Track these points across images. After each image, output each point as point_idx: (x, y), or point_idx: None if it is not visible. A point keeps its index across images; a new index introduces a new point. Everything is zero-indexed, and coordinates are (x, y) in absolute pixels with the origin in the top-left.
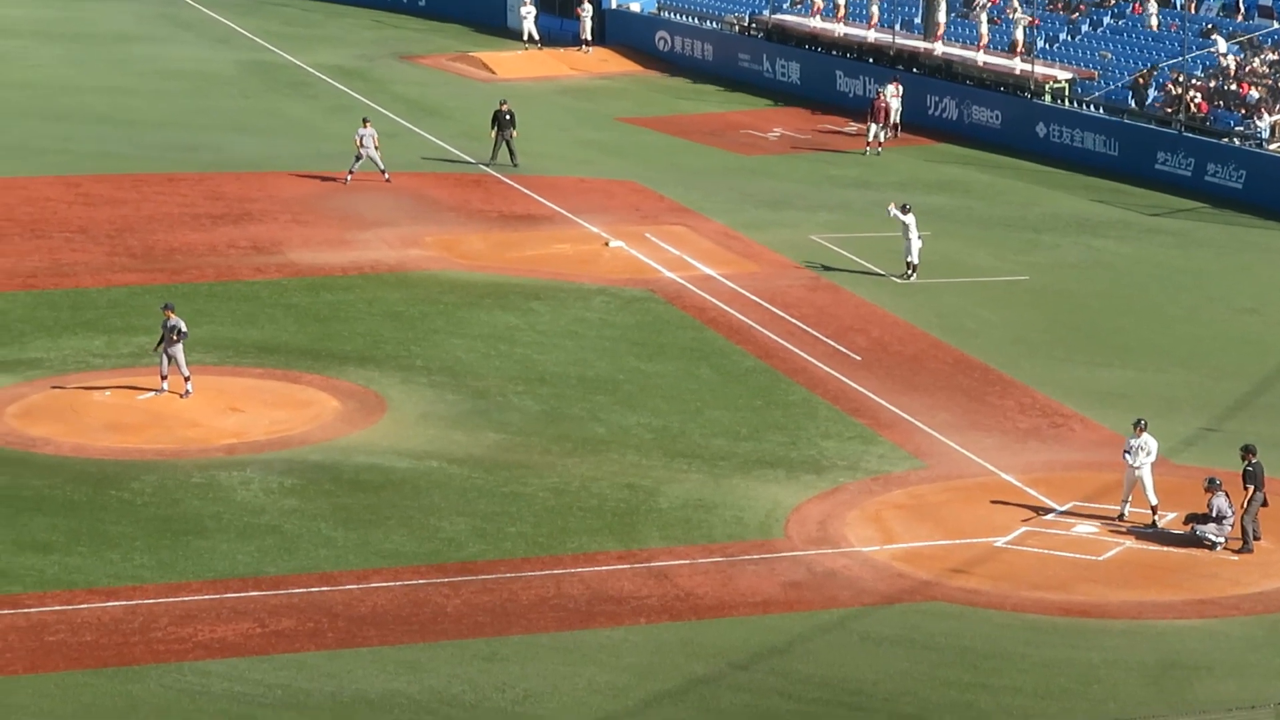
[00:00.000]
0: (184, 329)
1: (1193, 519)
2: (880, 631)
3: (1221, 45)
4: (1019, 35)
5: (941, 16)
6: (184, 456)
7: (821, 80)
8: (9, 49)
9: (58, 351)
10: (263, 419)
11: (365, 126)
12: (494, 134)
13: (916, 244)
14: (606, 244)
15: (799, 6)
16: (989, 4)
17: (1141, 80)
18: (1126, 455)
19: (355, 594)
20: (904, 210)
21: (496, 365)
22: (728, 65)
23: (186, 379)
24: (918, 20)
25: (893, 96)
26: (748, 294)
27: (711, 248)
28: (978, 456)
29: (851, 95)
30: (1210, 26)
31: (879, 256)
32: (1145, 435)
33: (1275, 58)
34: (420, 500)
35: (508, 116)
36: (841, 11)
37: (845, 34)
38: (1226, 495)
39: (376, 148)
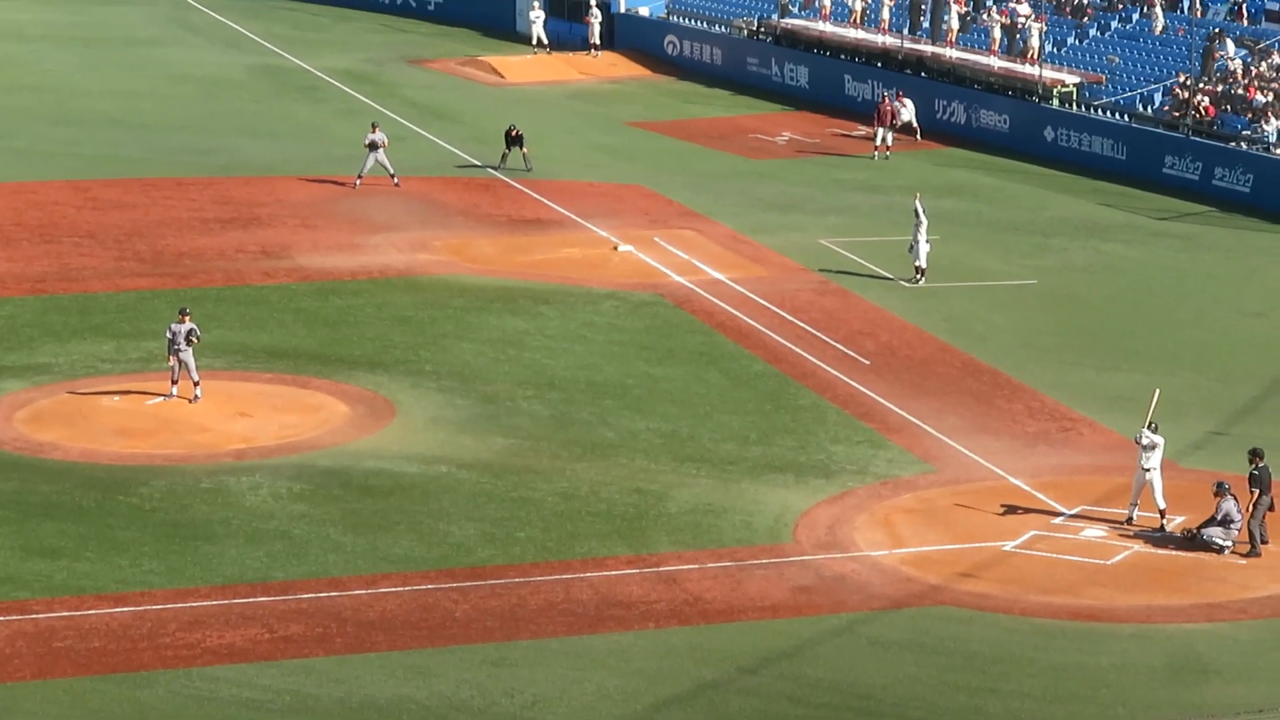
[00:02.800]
0: (199, 333)
1: (1188, 534)
2: (889, 636)
3: (1229, 49)
4: (1034, 41)
5: (954, 22)
6: (193, 462)
7: (830, 84)
8: (19, 53)
9: (66, 356)
10: (272, 424)
11: (375, 131)
12: (506, 147)
13: (925, 248)
14: (615, 248)
15: (806, 11)
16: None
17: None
18: (1139, 442)
19: (364, 599)
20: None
21: (505, 370)
22: (736, 69)
23: (196, 384)
24: (926, 24)
25: (901, 106)
26: (756, 298)
27: (720, 252)
28: (986, 460)
29: (860, 99)
30: (1218, 31)
31: (888, 260)
32: (1153, 434)
33: None
34: (429, 505)
35: (515, 134)
36: (857, 16)
37: (854, 38)
38: (1235, 499)
39: (385, 150)
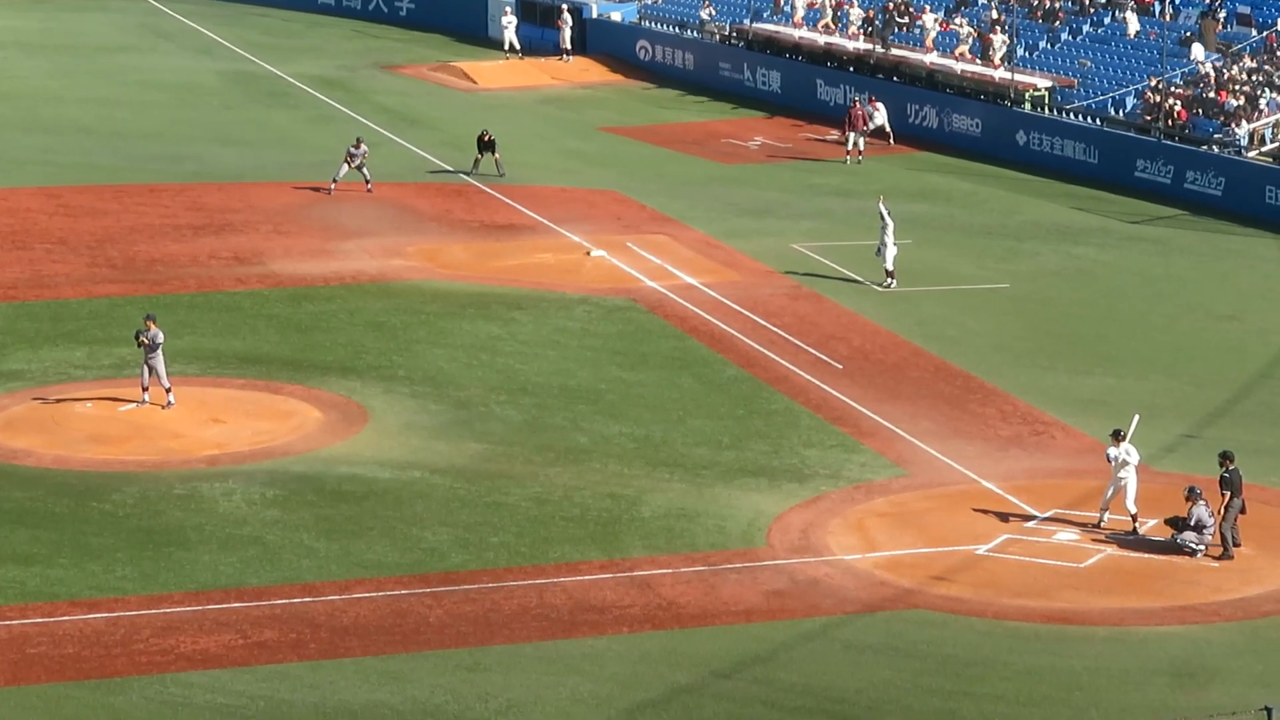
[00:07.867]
0: (159, 339)
1: (1172, 523)
2: (863, 640)
3: (1200, 53)
4: (996, 45)
5: (930, 25)
6: (166, 468)
7: (802, 89)
8: None
9: (38, 363)
10: (245, 430)
11: (359, 146)
12: (478, 153)
13: (892, 250)
14: (588, 253)
15: (778, 16)
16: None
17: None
18: (1110, 459)
19: (338, 605)
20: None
21: (479, 375)
22: (709, 74)
23: (167, 390)
24: (907, 30)
25: (874, 110)
26: (729, 303)
27: (693, 256)
28: (959, 464)
29: (832, 104)
30: (1189, 35)
31: (861, 265)
32: (1125, 444)
33: (1253, 65)
34: (403, 511)
35: (488, 139)
36: (828, 19)
37: (826, 43)
38: (1207, 504)
39: (362, 165)
